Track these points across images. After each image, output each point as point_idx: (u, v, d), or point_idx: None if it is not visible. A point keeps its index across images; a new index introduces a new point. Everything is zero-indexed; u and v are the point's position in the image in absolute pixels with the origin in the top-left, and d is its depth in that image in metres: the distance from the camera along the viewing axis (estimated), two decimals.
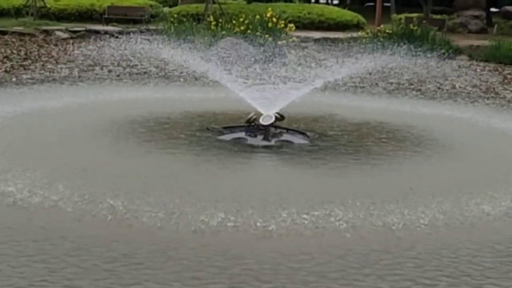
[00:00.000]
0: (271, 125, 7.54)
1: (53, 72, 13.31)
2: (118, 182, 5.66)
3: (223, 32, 18.78)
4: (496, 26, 26.92)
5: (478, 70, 16.88)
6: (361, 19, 26.98)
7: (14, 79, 12.09)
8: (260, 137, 7.47)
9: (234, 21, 19.79)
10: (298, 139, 7.60)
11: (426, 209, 5.27)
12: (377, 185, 6.07)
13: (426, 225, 4.98)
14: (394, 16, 28.57)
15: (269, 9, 20.36)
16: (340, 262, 4.27)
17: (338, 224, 4.90)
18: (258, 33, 18.20)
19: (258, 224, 4.82)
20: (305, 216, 4.99)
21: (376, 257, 4.38)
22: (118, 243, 4.41)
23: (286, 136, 7.61)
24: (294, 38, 19.78)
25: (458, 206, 5.39)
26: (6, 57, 15.53)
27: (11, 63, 14.49)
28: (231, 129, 7.82)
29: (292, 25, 20.17)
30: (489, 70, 16.91)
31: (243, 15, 20.30)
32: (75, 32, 22.01)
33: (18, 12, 24.53)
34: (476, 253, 4.51)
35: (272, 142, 7.40)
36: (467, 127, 9.32)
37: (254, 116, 7.53)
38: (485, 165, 6.99)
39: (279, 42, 18.26)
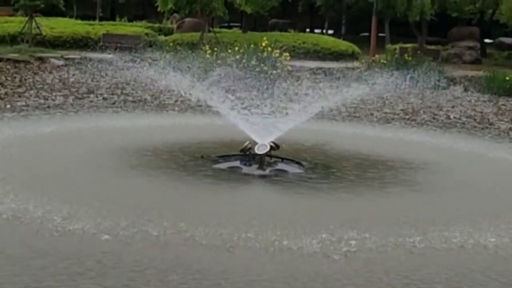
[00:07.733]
0: (266, 154, 7.49)
1: (48, 100, 13.25)
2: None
3: (218, 61, 18.83)
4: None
5: (472, 100, 16.91)
6: (356, 49, 27.15)
7: (8, 106, 12.04)
8: (255, 166, 7.41)
9: (229, 50, 19.86)
10: (293, 169, 7.53)
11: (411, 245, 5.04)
12: (368, 219, 5.84)
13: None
14: (389, 46, 28.77)
15: (264, 38, 20.45)
16: None
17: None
18: (253, 62, 18.24)
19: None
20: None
21: None
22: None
23: (281, 165, 7.55)
24: (289, 68, 19.84)
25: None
26: (0, 83, 15.49)
27: (6, 90, 14.45)
28: (226, 158, 7.76)
29: (287, 54, 20.24)
30: (484, 101, 16.94)
31: (238, 44, 20.39)
32: (70, 59, 22.05)
33: (13, 39, 24.61)
34: None
35: (267, 172, 7.35)
36: (460, 157, 9.33)
37: (249, 145, 7.49)
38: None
39: (274, 71, 18.30)
